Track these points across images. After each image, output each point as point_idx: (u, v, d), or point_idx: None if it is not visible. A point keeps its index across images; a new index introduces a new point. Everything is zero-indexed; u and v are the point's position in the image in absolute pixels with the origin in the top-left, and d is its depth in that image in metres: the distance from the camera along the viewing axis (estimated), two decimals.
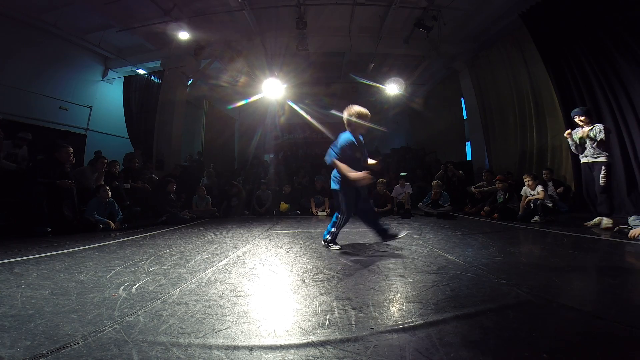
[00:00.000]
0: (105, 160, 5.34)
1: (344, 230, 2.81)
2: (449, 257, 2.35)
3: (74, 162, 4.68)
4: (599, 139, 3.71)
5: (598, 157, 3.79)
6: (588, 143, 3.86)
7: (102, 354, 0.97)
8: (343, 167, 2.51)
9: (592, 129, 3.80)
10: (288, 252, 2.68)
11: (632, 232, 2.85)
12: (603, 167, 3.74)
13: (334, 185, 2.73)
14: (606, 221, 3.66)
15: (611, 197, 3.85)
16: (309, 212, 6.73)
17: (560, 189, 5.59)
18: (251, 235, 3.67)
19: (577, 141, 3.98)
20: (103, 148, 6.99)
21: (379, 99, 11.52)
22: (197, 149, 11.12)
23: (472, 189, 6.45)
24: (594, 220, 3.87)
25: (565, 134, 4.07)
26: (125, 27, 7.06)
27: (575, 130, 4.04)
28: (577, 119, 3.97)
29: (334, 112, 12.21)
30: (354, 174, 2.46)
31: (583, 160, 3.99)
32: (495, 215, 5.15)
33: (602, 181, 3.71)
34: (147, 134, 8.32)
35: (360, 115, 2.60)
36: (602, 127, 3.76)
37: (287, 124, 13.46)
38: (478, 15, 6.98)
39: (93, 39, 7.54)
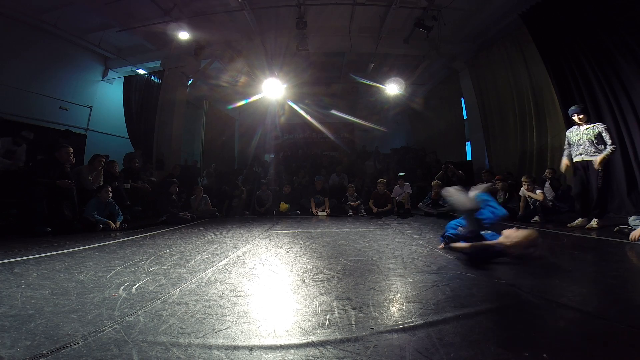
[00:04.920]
0: (103, 159, 5.20)
1: (344, 230, 2.79)
2: (449, 257, 2.35)
3: (74, 162, 4.67)
4: (607, 140, 3.62)
5: (595, 155, 3.69)
6: (586, 141, 3.79)
7: (102, 354, 0.97)
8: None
9: (593, 127, 3.76)
10: (288, 252, 2.68)
11: (633, 235, 2.78)
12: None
13: None
14: (594, 222, 3.62)
15: (606, 199, 3.76)
16: (309, 212, 6.72)
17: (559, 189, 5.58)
18: (251, 235, 3.67)
19: (573, 140, 3.91)
20: (103, 148, 6.98)
21: (379, 99, 11.53)
22: (197, 149, 11.11)
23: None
24: (577, 221, 3.82)
25: (562, 167, 4.04)
26: (125, 27, 7.06)
27: (572, 128, 3.98)
28: (575, 117, 3.90)
29: (334, 112, 12.28)
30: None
31: (577, 158, 3.89)
32: None
33: (600, 182, 3.61)
34: (147, 134, 8.31)
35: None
36: (603, 126, 3.72)
37: (287, 124, 13.47)
38: (478, 15, 6.98)
39: (93, 39, 7.54)
